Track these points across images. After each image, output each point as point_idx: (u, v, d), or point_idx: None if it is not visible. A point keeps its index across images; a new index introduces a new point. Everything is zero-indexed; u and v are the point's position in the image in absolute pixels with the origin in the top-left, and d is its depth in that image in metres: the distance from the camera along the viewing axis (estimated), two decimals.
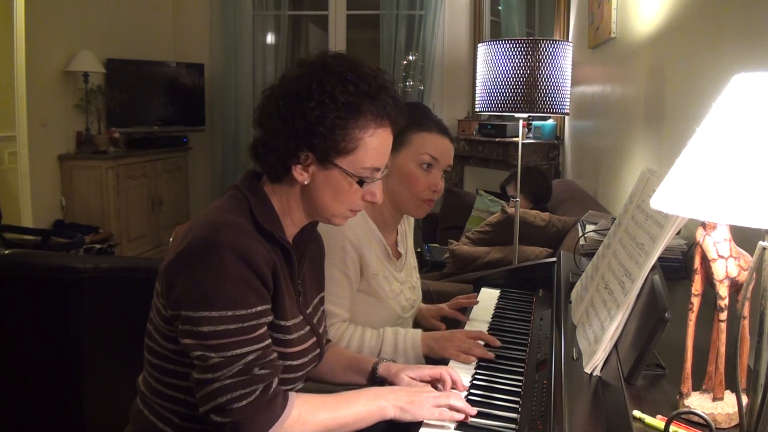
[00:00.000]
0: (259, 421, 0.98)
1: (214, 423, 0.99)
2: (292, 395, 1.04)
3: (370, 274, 1.50)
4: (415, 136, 1.51)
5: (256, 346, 1.00)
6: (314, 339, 1.18)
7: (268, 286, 1.03)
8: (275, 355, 1.04)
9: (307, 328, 1.16)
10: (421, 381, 1.20)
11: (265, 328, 1.03)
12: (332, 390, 1.48)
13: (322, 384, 1.38)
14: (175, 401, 1.08)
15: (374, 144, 1.08)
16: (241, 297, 0.98)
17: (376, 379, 1.26)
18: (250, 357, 0.99)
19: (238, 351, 0.98)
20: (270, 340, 1.04)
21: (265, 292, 1.03)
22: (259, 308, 1.01)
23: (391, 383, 1.23)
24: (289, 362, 1.09)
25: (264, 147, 1.09)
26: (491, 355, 1.34)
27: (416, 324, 1.69)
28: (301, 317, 1.15)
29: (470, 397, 1.17)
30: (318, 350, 1.19)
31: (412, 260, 1.68)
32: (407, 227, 1.71)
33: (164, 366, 1.08)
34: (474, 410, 1.09)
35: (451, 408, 1.08)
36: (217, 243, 0.98)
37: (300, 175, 1.08)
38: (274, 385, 1.01)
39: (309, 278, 1.24)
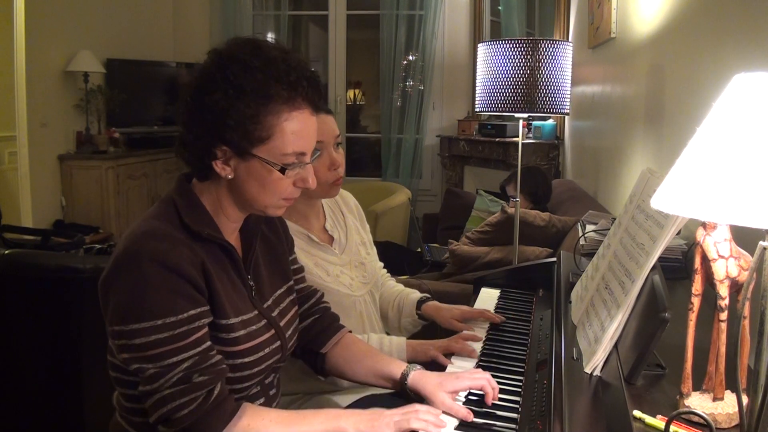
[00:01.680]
0: (206, 428, 0.96)
1: None
2: (245, 405, 1.02)
3: (300, 269, 1.49)
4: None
5: (191, 352, 0.97)
6: (273, 332, 1.14)
7: (199, 288, 1.00)
8: (217, 358, 1.01)
9: (263, 322, 1.13)
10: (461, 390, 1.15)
11: (202, 331, 1.00)
12: (333, 387, 1.48)
13: (327, 383, 1.39)
14: (137, 413, 1.06)
15: (292, 128, 1.03)
16: (168, 304, 0.96)
17: (405, 392, 1.19)
18: (187, 364, 0.97)
19: (174, 359, 0.96)
20: (209, 343, 1.01)
21: (196, 294, 1.00)
22: (191, 312, 0.98)
23: (427, 398, 1.14)
24: (240, 360, 1.06)
25: (182, 145, 1.06)
26: (469, 348, 1.37)
27: (429, 321, 1.67)
28: (255, 312, 1.12)
29: (471, 397, 1.17)
30: (278, 343, 1.15)
31: (357, 237, 1.66)
32: (345, 210, 1.69)
33: (123, 378, 1.06)
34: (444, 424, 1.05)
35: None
36: (135, 254, 0.97)
37: (222, 170, 1.04)
38: (217, 391, 0.99)
39: (266, 270, 1.20)
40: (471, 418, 1.08)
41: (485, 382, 1.13)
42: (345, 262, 1.58)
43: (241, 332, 1.07)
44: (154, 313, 0.95)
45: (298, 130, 1.04)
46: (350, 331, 1.35)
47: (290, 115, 1.03)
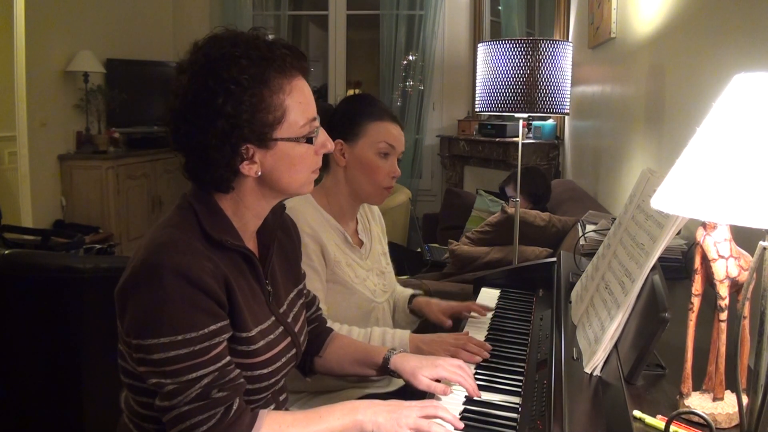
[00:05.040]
0: None
1: None
2: (261, 413, 1.00)
3: (333, 262, 1.51)
4: (370, 125, 1.54)
5: (211, 368, 0.96)
6: (289, 339, 1.14)
7: (220, 302, 0.98)
8: (236, 372, 1.00)
9: (280, 329, 1.12)
10: (440, 379, 1.18)
11: (221, 346, 0.98)
12: (339, 385, 1.50)
13: (329, 378, 1.39)
14: (149, 419, 1.05)
15: (297, 99, 1.03)
16: (188, 320, 0.94)
17: (388, 372, 1.24)
18: (206, 380, 0.95)
19: (193, 375, 0.94)
20: (228, 358, 0.99)
21: (217, 309, 0.98)
22: (212, 327, 0.96)
23: (406, 380, 1.22)
24: (258, 372, 1.06)
25: (203, 166, 1.02)
26: (478, 359, 1.32)
27: (421, 316, 1.71)
28: (273, 319, 1.11)
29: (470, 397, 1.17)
30: (294, 350, 1.15)
31: (379, 246, 1.70)
32: (371, 217, 1.73)
33: (137, 385, 1.04)
34: (461, 425, 1.06)
35: (437, 418, 1.03)
36: (157, 266, 0.93)
37: (249, 169, 1.02)
38: (235, 406, 0.97)
39: (281, 273, 1.19)
40: (450, 391, 1.16)
41: (461, 378, 1.17)
42: (369, 267, 1.62)
43: (261, 343, 1.07)
44: (174, 329, 0.93)
45: (302, 97, 1.05)
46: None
47: (291, 86, 1.03)
